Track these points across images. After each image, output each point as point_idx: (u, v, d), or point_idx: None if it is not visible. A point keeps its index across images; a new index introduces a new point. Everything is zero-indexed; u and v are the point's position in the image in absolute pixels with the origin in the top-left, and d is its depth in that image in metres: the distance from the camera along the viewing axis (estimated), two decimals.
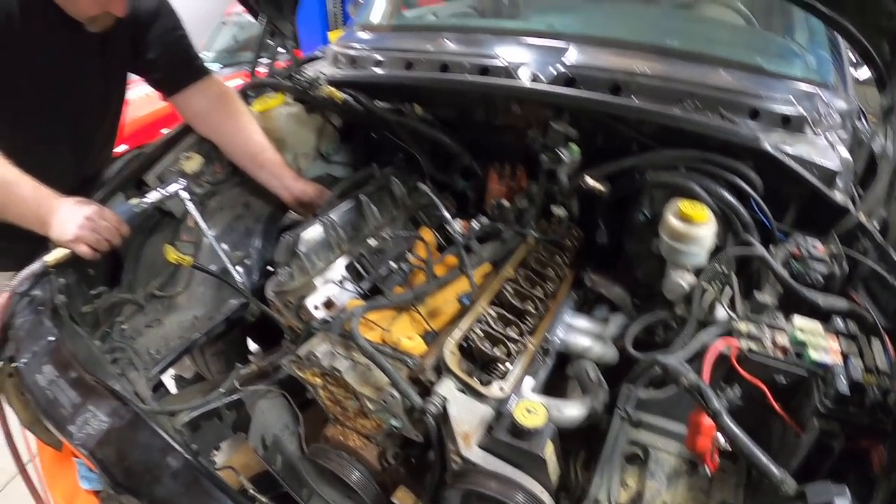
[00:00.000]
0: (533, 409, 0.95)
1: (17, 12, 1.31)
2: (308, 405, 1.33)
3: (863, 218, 1.10)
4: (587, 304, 1.43)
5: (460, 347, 1.13)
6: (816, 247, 1.10)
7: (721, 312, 1.09)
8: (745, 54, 1.49)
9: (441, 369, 1.10)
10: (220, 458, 1.47)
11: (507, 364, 1.12)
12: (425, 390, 1.08)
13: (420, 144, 1.68)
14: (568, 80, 1.40)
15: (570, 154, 1.31)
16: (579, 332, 1.29)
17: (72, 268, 1.32)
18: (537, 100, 1.39)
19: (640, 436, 1.03)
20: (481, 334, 1.12)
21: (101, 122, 1.62)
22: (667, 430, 1.02)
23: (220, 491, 0.90)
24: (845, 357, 0.91)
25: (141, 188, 1.57)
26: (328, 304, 1.34)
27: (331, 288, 1.38)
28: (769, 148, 1.18)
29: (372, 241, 1.47)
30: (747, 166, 1.21)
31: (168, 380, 2.01)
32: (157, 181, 1.56)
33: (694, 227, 1.12)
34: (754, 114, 1.28)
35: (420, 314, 1.30)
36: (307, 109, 1.74)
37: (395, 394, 1.07)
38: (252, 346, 1.85)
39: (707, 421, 0.90)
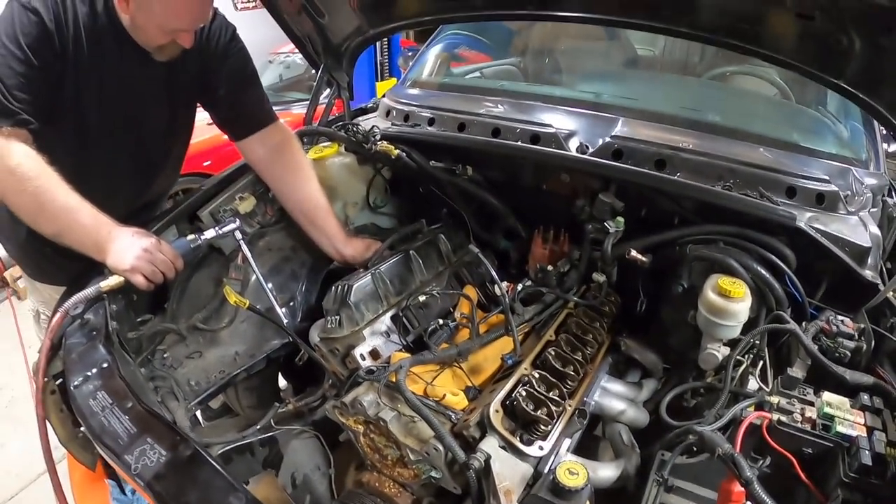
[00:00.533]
0: (575, 470, 1.13)
1: (86, 38, 1.47)
2: (337, 447, 1.51)
3: (890, 295, 1.26)
4: (620, 367, 1.61)
5: (503, 406, 1.31)
6: (846, 323, 1.27)
7: (752, 384, 1.27)
8: (782, 130, 1.70)
9: (485, 426, 1.27)
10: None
11: (549, 425, 1.29)
12: (467, 445, 1.24)
13: (467, 203, 1.91)
14: (615, 152, 1.62)
15: (615, 226, 1.51)
16: (614, 396, 1.47)
17: (121, 293, 1.49)
18: (587, 171, 1.60)
19: (671, 500, 1.20)
20: (525, 395, 1.29)
21: (165, 150, 1.80)
22: (697, 496, 1.18)
23: None
24: (870, 431, 1.08)
25: (193, 223, 1.79)
26: (374, 355, 1.52)
27: (377, 339, 1.56)
28: (805, 227, 1.37)
29: (419, 297, 1.67)
30: (782, 242, 1.40)
31: None
32: (210, 218, 1.78)
33: (731, 302, 1.30)
34: (791, 192, 1.47)
35: (463, 370, 1.51)
36: (359, 161, 1.98)
37: (440, 447, 1.24)
38: (282, 382, 2.04)
39: (737, 488, 1.07)
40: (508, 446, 1.24)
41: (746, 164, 1.52)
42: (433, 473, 1.32)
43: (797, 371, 1.21)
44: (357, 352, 1.51)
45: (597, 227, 1.57)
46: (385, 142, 1.87)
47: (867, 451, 1.03)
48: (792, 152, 1.60)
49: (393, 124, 2.05)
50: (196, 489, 1.07)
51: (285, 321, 1.72)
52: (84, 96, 1.51)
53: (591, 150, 1.66)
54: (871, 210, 1.49)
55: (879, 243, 1.42)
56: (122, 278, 1.44)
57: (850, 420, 1.10)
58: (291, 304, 1.83)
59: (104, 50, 1.48)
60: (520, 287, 1.65)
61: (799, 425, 1.11)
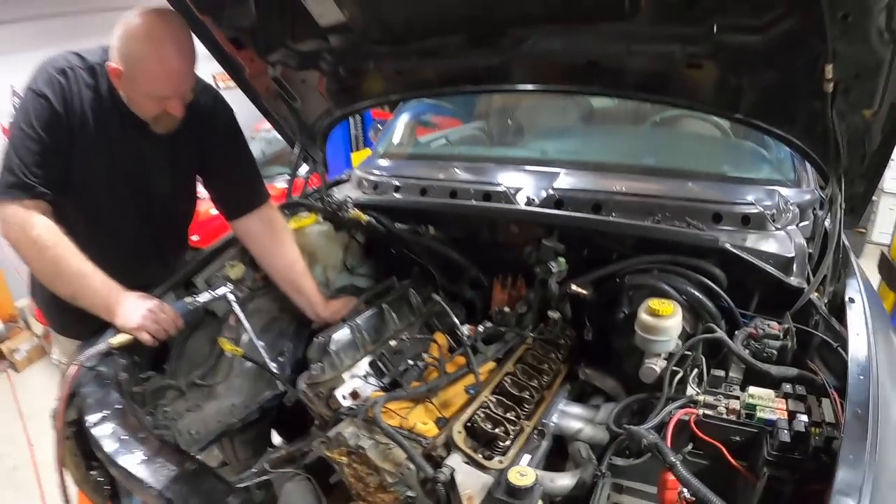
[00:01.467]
0: (524, 472, 1.25)
1: (91, 113, 1.65)
2: (331, 490, 1.62)
3: (813, 296, 1.42)
4: (585, 395, 1.73)
5: (466, 428, 1.44)
6: (772, 326, 1.42)
7: (690, 390, 1.39)
8: (712, 164, 1.93)
9: (450, 446, 1.40)
10: None
11: (507, 442, 1.41)
12: (436, 464, 1.36)
13: (434, 259, 2.11)
14: (557, 202, 1.84)
15: (558, 266, 1.70)
16: (572, 417, 1.59)
17: (127, 350, 1.66)
18: (531, 221, 1.81)
19: (623, 499, 1.29)
20: (483, 416, 1.43)
21: (170, 218, 1.98)
22: (645, 493, 1.28)
23: None
24: (791, 414, 1.19)
25: (189, 289, 1.96)
26: (354, 395, 1.66)
27: (356, 382, 1.71)
28: (727, 246, 1.55)
29: (392, 343, 1.83)
30: (712, 264, 1.58)
31: None
32: (205, 284, 1.96)
33: (661, 320, 1.46)
34: (717, 217, 1.67)
35: (434, 405, 1.64)
36: (335, 227, 2.21)
37: (412, 466, 1.37)
38: (276, 439, 2.15)
39: (671, 476, 1.18)
40: (471, 461, 1.36)
41: (674, 199, 1.73)
42: (409, 493, 1.43)
43: (721, 372, 1.34)
44: (339, 393, 1.65)
45: (544, 268, 1.75)
46: (355, 210, 2.09)
47: (786, 431, 1.15)
48: (719, 182, 1.82)
49: (364, 193, 2.29)
50: (201, 494, 1.28)
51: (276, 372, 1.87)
52: (92, 167, 1.70)
53: (536, 202, 1.87)
54: (801, 224, 1.68)
55: (805, 252, 1.59)
56: (129, 336, 1.63)
57: (771, 407, 1.23)
58: (281, 359, 2.01)
59: (109, 125, 1.68)
60: (481, 328, 1.80)
61: (724, 416, 1.24)
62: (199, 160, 1.91)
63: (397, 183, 2.23)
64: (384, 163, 2.49)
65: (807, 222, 1.76)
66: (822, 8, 1.11)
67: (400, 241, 2.13)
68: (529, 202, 1.89)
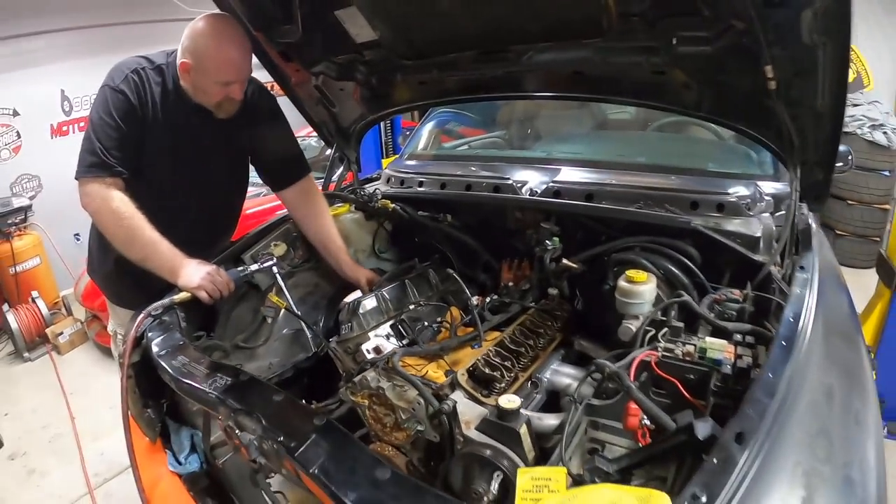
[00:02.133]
0: (512, 399, 1.50)
1: (161, 105, 1.94)
2: None
3: (772, 268, 1.65)
4: (578, 363, 1.97)
5: (468, 372, 1.70)
6: (734, 293, 1.65)
7: (661, 345, 1.62)
8: (697, 161, 2.18)
9: (454, 386, 1.67)
10: (275, 483, 2.02)
11: (502, 385, 1.67)
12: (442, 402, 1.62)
13: (451, 245, 2.40)
14: (556, 192, 2.12)
15: (552, 244, 1.97)
16: (563, 375, 1.83)
17: (186, 307, 1.92)
18: (531, 207, 2.10)
19: (598, 435, 1.53)
20: (483, 362, 1.69)
21: (225, 199, 2.31)
22: (617, 430, 1.51)
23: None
24: (738, 356, 1.42)
25: (237, 263, 2.21)
26: (377, 350, 1.92)
27: (379, 340, 1.97)
28: (699, 227, 1.79)
29: (412, 309, 2.11)
30: (687, 244, 1.82)
31: None
32: (251, 260, 2.27)
33: (636, 285, 1.71)
34: (694, 205, 1.91)
35: (444, 361, 1.91)
36: (366, 217, 2.54)
37: (422, 401, 1.64)
38: None
39: (633, 405, 1.42)
40: (471, 397, 1.62)
41: (657, 189, 1.98)
42: (419, 427, 1.70)
43: (682, 324, 1.57)
44: (364, 348, 1.90)
45: (542, 248, 2.02)
46: (384, 199, 2.41)
47: (729, 366, 1.38)
48: (701, 176, 2.08)
49: (391, 188, 2.61)
50: (252, 394, 1.51)
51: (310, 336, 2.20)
52: (161, 152, 2.01)
53: (538, 193, 2.15)
54: (776, 213, 1.91)
55: (772, 234, 1.82)
56: (189, 294, 1.92)
57: (722, 351, 1.46)
58: (314, 326, 2.31)
59: (176, 115, 1.99)
60: (488, 300, 2.07)
61: (679, 357, 1.47)
62: (249, 141, 2.20)
63: (421, 178, 2.54)
64: (410, 162, 2.83)
65: (783, 211, 1.98)
66: (754, 19, 1.37)
67: (421, 228, 2.42)
68: (532, 193, 2.16)
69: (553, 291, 2.08)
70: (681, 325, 1.58)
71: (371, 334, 2.00)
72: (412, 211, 2.40)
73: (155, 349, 1.74)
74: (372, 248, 2.57)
